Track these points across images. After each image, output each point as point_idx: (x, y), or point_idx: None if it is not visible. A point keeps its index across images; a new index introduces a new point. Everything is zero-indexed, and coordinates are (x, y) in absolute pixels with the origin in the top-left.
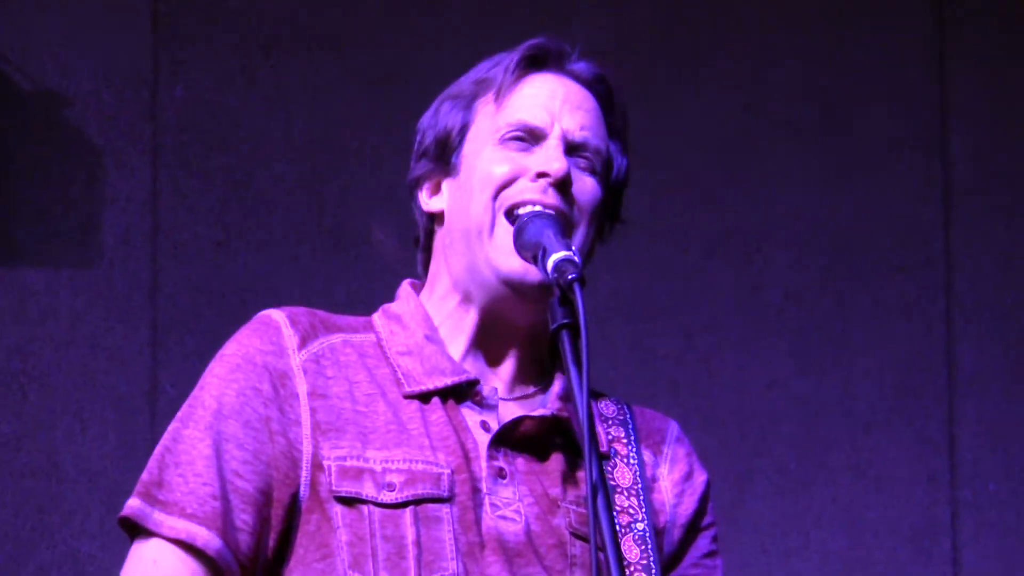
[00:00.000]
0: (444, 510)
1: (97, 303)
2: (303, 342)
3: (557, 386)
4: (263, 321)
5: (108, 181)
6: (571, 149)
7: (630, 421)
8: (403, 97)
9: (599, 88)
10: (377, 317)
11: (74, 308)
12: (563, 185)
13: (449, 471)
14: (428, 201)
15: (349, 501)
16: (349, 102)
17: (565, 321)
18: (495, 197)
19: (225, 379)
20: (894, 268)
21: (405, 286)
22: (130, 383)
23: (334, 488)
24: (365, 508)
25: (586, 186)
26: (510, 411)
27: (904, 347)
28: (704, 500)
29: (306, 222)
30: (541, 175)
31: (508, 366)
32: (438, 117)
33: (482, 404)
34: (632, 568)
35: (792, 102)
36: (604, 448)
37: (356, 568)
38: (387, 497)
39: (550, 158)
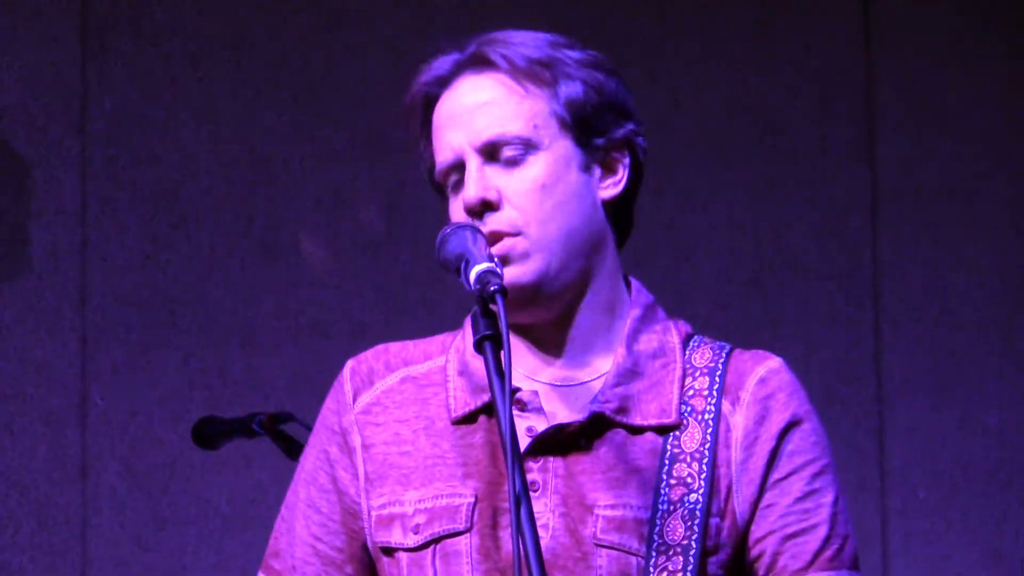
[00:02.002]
0: (463, 542)
1: (26, 316)
2: (356, 394)
3: (612, 375)
4: (338, 378)
5: (36, 194)
6: (490, 152)
7: (720, 368)
8: (331, 109)
9: (496, 60)
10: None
11: (3, 321)
12: (487, 206)
13: (472, 499)
14: None
15: (387, 551)
16: (277, 114)
17: (488, 333)
18: None
19: (310, 445)
20: (822, 277)
21: None
22: (60, 396)
23: (374, 539)
24: (398, 555)
25: (517, 182)
26: (565, 405)
27: (832, 356)
28: (778, 445)
29: (235, 234)
30: (469, 212)
31: (552, 360)
32: (416, 153)
33: (525, 409)
34: (671, 552)
35: (719, 111)
36: (672, 417)
37: None
38: (411, 541)
39: (465, 189)
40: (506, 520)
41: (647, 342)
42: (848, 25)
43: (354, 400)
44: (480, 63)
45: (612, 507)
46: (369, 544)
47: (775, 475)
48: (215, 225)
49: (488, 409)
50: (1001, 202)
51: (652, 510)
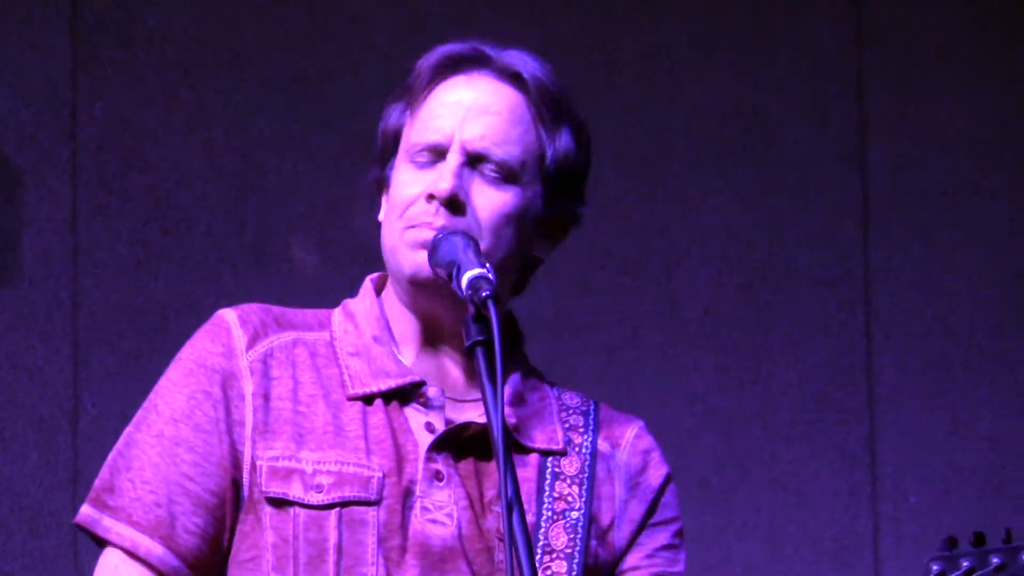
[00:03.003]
0: (371, 513)
1: (17, 323)
2: (252, 342)
3: (508, 390)
4: (216, 322)
5: (27, 201)
6: (475, 160)
7: (592, 412)
8: (323, 116)
9: (523, 81)
10: (336, 313)
11: None
12: (453, 204)
13: (381, 474)
14: (382, 210)
15: (278, 502)
16: (269, 120)
17: (479, 338)
18: (400, 218)
19: (178, 383)
20: (814, 283)
21: (367, 282)
22: (51, 403)
23: (264, 489)
24: (292, 510)
25: (488, 199)
26: (460, 413)
27: (824, 361)
28: (659, 496)
29: (226, 240)
30: (430, 197)
31: (457, 370)
32: (383, 120)
33: (427, 405)
34: (555, 555)
35: (711, 118)
36: (559, 445)
37: (278, 570)
38: (314, 499)
39: (439, 178)
40: (412, 502)
41: (525, 374)
42: (840, 31)
43: (248, 348)
44: (507, 74)
45: None
46: (245, 492)
47: (653, 519)
48: (207, 232)
49: (387, 396)
50: (993, 208)
51: (537, 515)
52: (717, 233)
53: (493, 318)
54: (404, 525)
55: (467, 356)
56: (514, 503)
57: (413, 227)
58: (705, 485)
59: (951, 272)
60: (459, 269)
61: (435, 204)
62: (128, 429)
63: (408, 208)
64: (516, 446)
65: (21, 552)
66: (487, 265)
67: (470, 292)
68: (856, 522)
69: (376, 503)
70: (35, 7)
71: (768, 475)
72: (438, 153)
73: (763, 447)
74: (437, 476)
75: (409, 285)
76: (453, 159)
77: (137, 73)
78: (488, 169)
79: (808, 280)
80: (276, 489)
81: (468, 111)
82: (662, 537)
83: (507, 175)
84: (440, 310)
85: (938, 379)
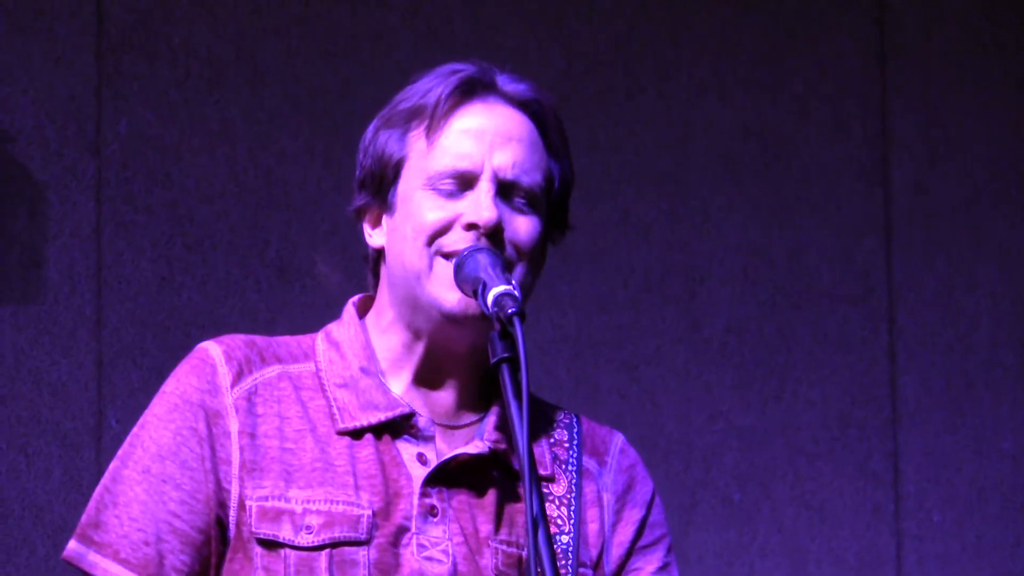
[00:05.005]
0: (361, 553)
1: (41, 338)
2: (236, 379)
3: (493, 417)
4: (200, 357)
5: (52, 216)
6: (504, 189)
7: (575, 426)
8: (346, 131)
9: (534, 108)
10: (320, 341)
11: (18, 343)
12: (494, 233)
13: (370, 512)
14: (371, 234)
15: (268, 544)
16: (292, 137)
17: (505, 355)
18: (428, 244)
19: (164, 419)
20: (836, 300)
21: (349, 308)
22: (75, 418)
23: (254, 529)
24: (283, 551)
25: (521, 227)
26: (449, 441)
27: (847, 379)
28: (647, 514)
29: (250, 257)
30: (471, 226)
31: (449, 395)
32: (375, 146)
33: (418, 436)
34: None
35: (733, 135)
36: (548, 470)
37: None
38: (304, 540)
39: (479, 206)
40: (407, 539)
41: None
42: (862, 48)
43: (233, 385)
44: (517, 100)
45: (507, 543)
46: (231, 531)
47: (641, 542)
48: (230, 248)
49: (376, 430)
50: (1015, 225)
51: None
52: (739, 250)
53: (519, 335)
54: (397, 563)
55: (472, 379)
56: (540, 520)
57: (453, 253)
58: (728, 502)
59: (974, 289)
60: (484, 286)
61: (474, 234)
62: (114, 463)
63: (438, 235)
64: (509, 472)
65: (44, 567)
66: (512, 282)
67: (496, 309)
68: (879, 540)
69: (366, 542)
70: (60, 24)
71: (791, 493)
72: (465, 181)
73: (786, 464)
74: (432, 511)
75: (443, 319)
76: (486, 187)
77: (161, 89)
78: (517, 197)
79: (830, 297)
80: (266, 531)
81: (494, 138)
82: (655, 559)
83: (533, 203)
84: (459, 339)
85: (961, 396)
